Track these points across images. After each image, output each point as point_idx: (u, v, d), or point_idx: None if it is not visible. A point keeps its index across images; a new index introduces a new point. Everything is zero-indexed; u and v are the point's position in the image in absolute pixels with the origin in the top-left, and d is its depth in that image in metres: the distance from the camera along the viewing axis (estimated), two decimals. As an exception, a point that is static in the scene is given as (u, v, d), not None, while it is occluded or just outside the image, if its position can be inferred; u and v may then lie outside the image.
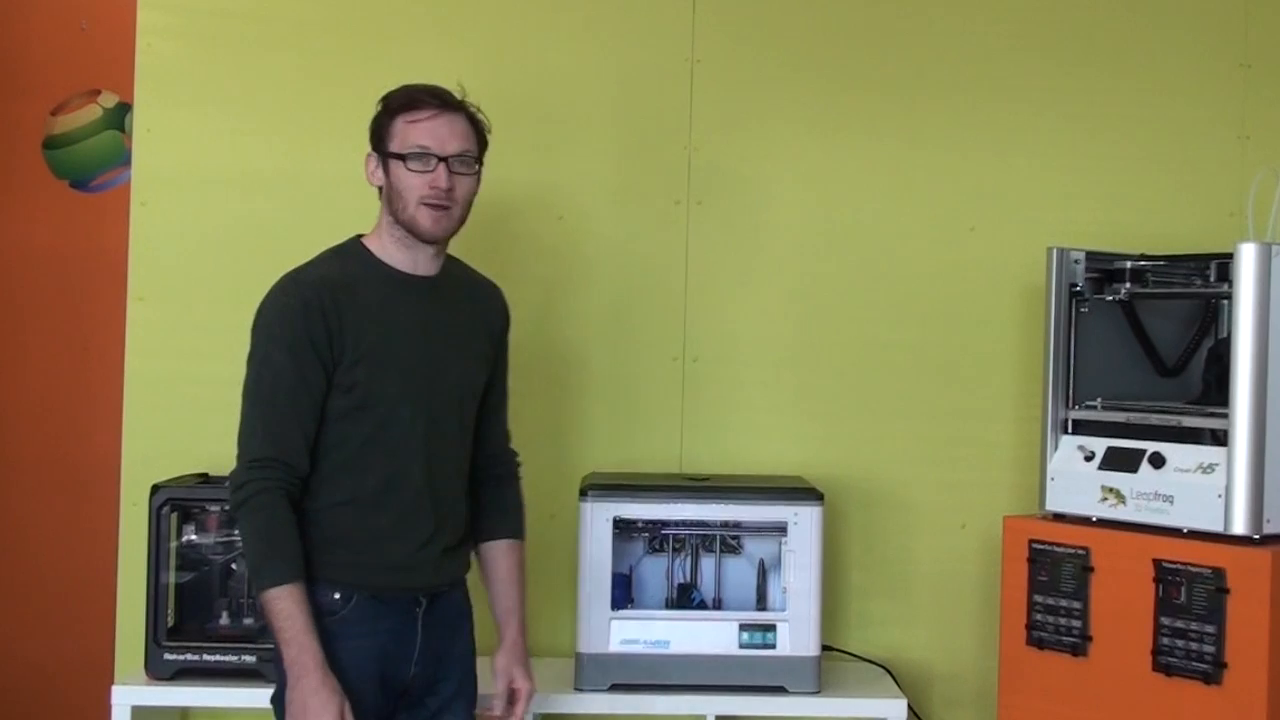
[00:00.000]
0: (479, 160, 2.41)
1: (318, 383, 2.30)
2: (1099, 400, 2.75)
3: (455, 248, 2.50)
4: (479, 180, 2.42)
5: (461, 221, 2.41)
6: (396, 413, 2.34)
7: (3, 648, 3.93)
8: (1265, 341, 2.45)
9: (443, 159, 2.33)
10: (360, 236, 2.44)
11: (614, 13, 3.21)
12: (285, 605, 2.23)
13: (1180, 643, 2.47)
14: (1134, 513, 2.59)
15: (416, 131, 2.34)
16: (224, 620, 2.90)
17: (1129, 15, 3.25)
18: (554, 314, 3.17)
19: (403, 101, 2.38)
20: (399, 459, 2.35)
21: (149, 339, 3.13)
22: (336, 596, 2.31)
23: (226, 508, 2.40)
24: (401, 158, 2.34)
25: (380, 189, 2.41)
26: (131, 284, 3.14)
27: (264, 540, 2.27)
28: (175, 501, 2.86)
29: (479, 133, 2.42)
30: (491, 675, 2.50)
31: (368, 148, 2.40)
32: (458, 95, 2.41)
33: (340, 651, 2.28)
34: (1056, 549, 2.67)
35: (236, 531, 2.40)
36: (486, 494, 2.55)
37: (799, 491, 2.90)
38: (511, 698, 2.49)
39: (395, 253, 2.40)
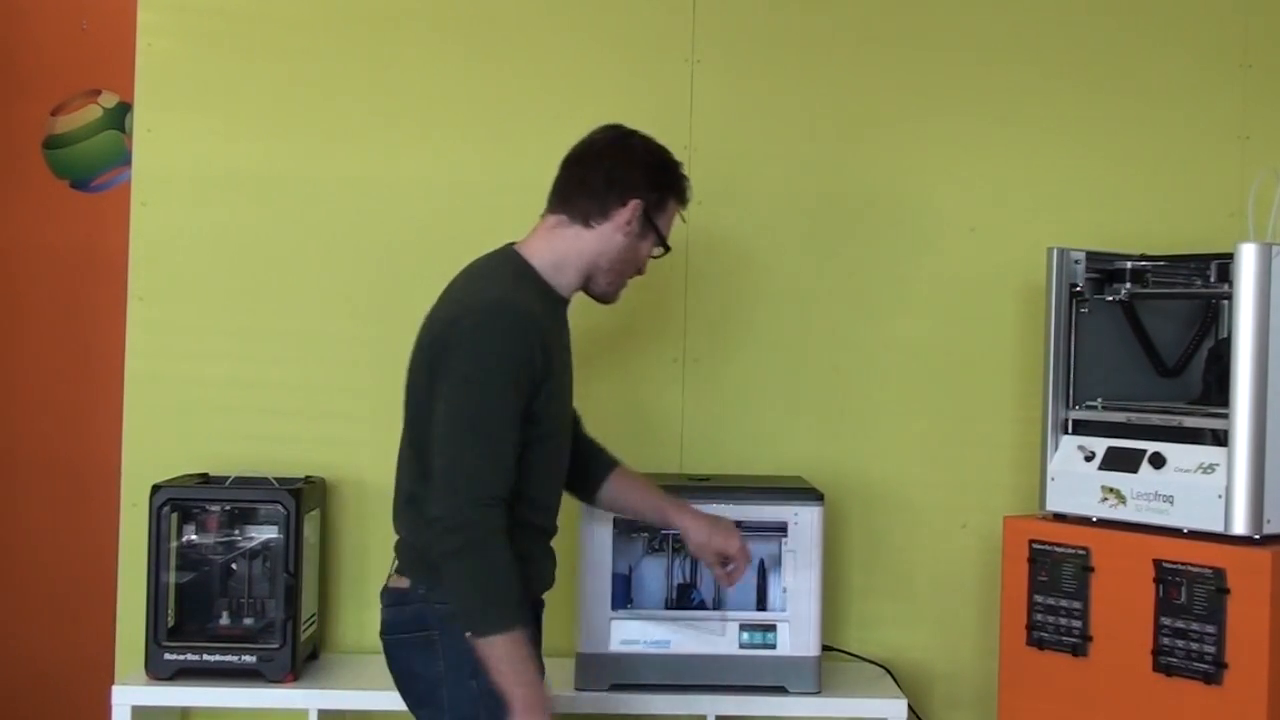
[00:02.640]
0: None
1: (521, 416, 2.25)
2: (1099, 400, 2.75)
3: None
4: None
5: None
6: (565, 433, 2.44)
7: (3, 648, 3.93)
8: (1265, 341, 2.45)
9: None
10: (517, 249, 2.40)
11: (614, 13, 3.21)
12: (517, 650, 2.18)
13: (1180, 643, 2.47)
14: (1134, 513, 2.59)
15: (672, 224, 2.46)
16: (224, 620, 2.91)
17: (1129, 16, 3.25)
18: (554, 314, 3.17)
19: (683, 192, 2.46)
20: (561, 475, 2.45)
21: (149, 339, 3.14)
22: None
23: (441, 548, 2.16)
24: (663, 243, 2.43)
25: (605, 232, 2.38)
26: (131, 284, 3.15)
27: (493, 584, 2.18)
28: (175, 501, 2.87)
29: None
30: (696, 555, 2.63)
31: (630, 195, 2.37)
32: None
33: None
34: (1057, 549, 2.67)
35: (449, 570, 2.19)
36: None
37: (799, 491, 2.90)
38: (726, 563, 2.56)
39: (556, 276, 2.39)
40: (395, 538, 2.38)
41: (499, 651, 2.16)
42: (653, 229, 2.41)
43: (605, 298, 2.44)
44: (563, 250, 2.38)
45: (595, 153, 2.40)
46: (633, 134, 2.44)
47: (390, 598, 2.35)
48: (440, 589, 2.24)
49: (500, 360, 2.21)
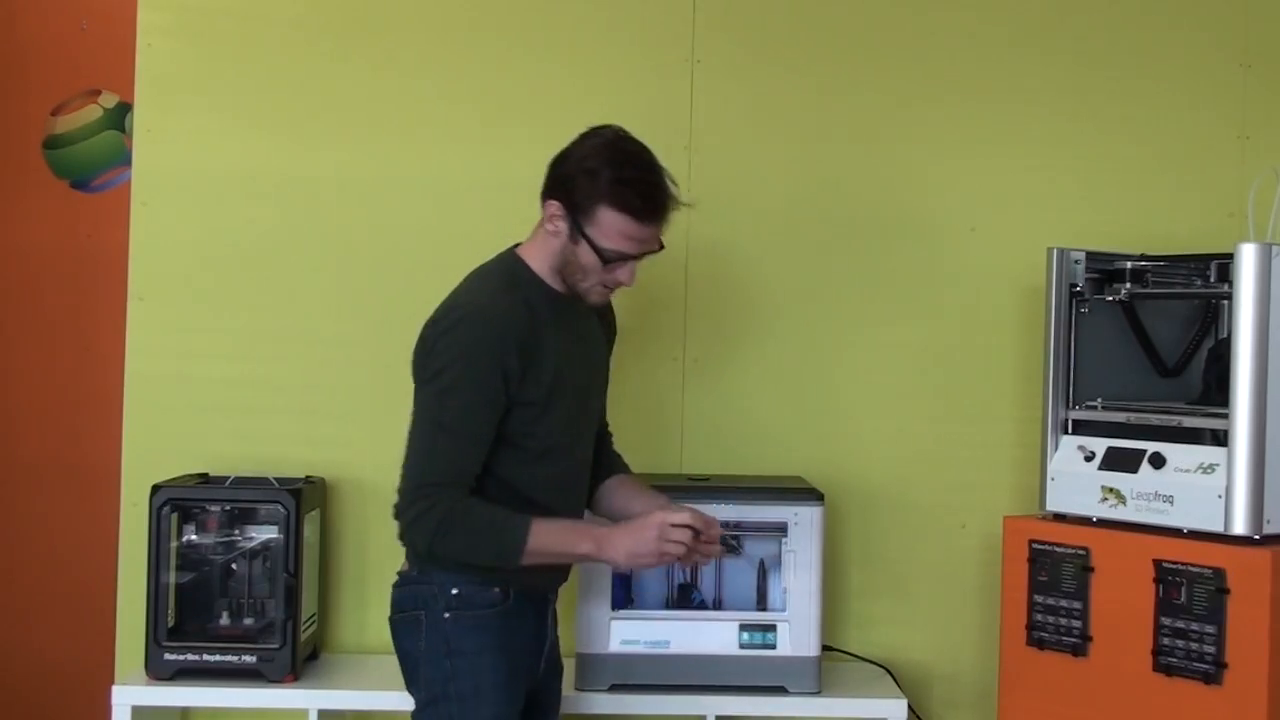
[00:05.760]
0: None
1: (499, 411, 2.31)
2: (1099, 400, 2.75)
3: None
4: None
5: None
6: (566, 437, 2.42)
7: (3, 648, 3.93)
8: (1265, 341, 2.45)
9: (638, 256, 2.34)
10: (518, 252, 2.42)
11: (614, 13, 3.21)
12: (548, 536, 2.30)
13: (1180, 643, 2.47)
14: (1134, 513, 2.59)
15: (632, 239, 2.31)
16: (224, 620, 2.91)
17: (1129, 15, 3.25)
18: (554, 314, 3.17)
19: (644, 203, 2.30)
20: (573, 489, 2.49)
21: (149, 339, 3.14)
22: (497, 591, 2.37)
23: (409, 537, 2.32)
24: (599, 252, 2.31)
25: (546, 233, 2.36)
26: (131, 284, 3.15)
27: (483, 533, 2.29)
28: (175, 501, 2.86)
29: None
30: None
31: (552, 198, 2.33)
32: (676, 185, 2.36)
33: (505, 642, 2.37)
34: (1057, 549, 2.66)
35: (441, 551, 2.31)
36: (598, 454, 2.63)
37: (799, 491, 2.90)
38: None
39: (551, 277, 2.38)
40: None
41: (540, 553, 2.29)
42: (584, 237, 2.31)
43: (583, 298, 2.40)
44: (543, 250, 2.39)
45: (560, 152, 2.37)
46: (597, 135, 2.35)
47: (396, 580, 2.45)
48: (429, 570, 2.37)
49: (465, 367, 2.27)
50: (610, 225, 2.29)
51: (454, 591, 2.35)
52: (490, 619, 2.37)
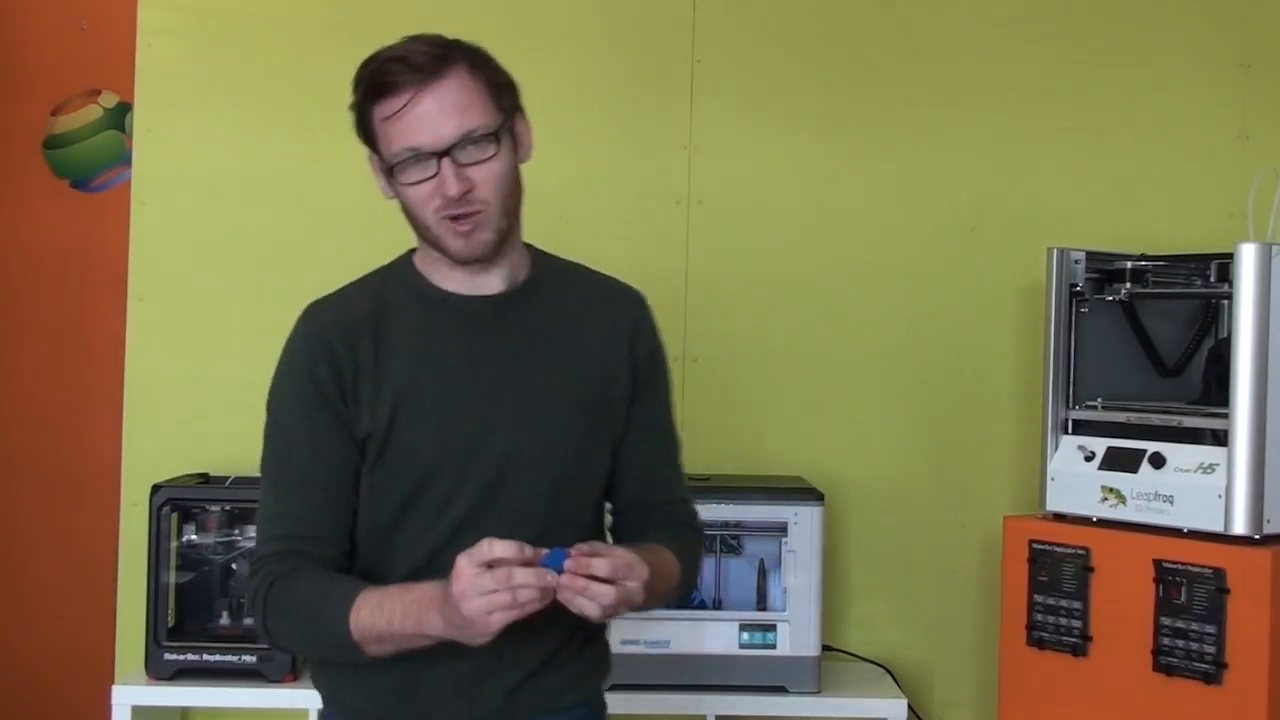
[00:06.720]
0: (501, 127, 1.74)
1: (333, 442, 1.75)
2: (1099, 400, 2.75)
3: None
4: (513, 151, 1.79)
5: (508, 216, 1.78)
6: (432, 483, 1.73)
7: (3, 648, 3.93)
8: (1265, 341, 2.45)
9: (444, 152, 1.69)
10: (414, 251, 1.87)
11: (614, 13, 3.21)
12: (369, 620, 1.65)
13: (1180, 643, 2.47)
14: (1134, 513, 2.59)
15: (397, 130, 1.71)
16: (224, 620, 2.91)
17: (1129, 15, 3.25)
18: (554, 314, 3.17)
19: (370, 87, 1.75)
20: (431, 544, 1.74)
21: (149, 339, 3.14)
22: None
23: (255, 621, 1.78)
24: (389, 167, 1.74)
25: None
26: (131, 284, 3.15)
27: (302, 611, 1.70)
28: (175, 501, 2.86)
29: (489, 88, 1.77)
30: None
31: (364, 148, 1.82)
32: (441, 43, 1.82)
33: None
34: (1057, 549, 2.66)
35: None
36: (648, 531, 1.86)
37: (799, 491, 2.90)
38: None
39: (445, 270, 1.80)
40: None
41: (380, 632, 1.65)
42: (379, 157, 1.77)
43: (457, 258, 1.76)
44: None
45: None
46: None
47: None
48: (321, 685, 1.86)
49: (277, 393, 1.79)
50: (381, 135, 1.74)
51: None
52: None
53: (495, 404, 1.76)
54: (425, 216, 1.73)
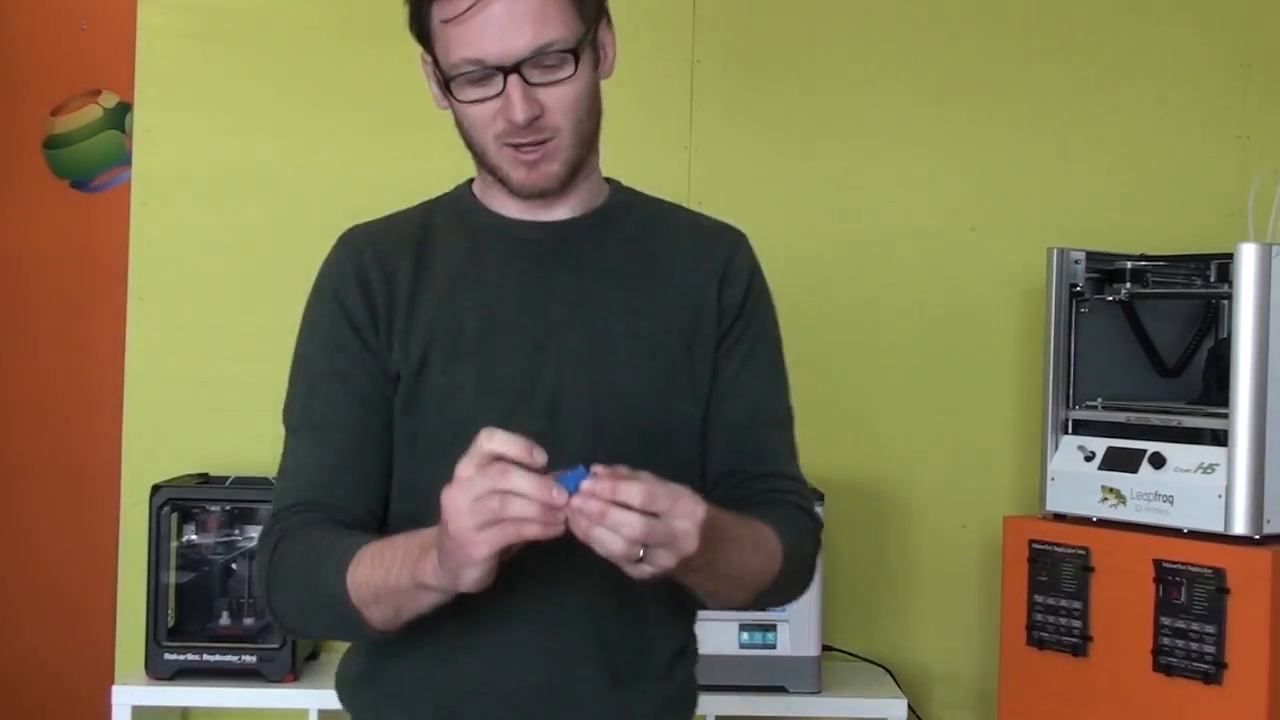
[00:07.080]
0: (583, 40, 1.50)
1: (360, 377, 1.52)
2: (1099, 400, 2.75)
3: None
4: (594, 68, 1.58)
5: (584, 145, 1.58)
6: (470, 435, 1.28)
7: (3, 647, 3.93)
8: (1265, 341, 2.45)
9: (512, 69, 1.43)
10: (473, 180, 1.65)
11: (614, 13, 3.20)
12: (367, 573, 1.37)
13: (1180, 643, 2.47)
14: (1134, 513, 2.59)
15: (459, 36, 1.43)
16: (224, 620, 2.90)
17: (1129, 16, 3.25)
18: (554, 314, 3.17)
19: None
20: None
21: (149, 339, 3.13)
22: None
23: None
24: (448, 82, 1.48)
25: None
26: (131, 284, 3.15)
27: (305, 576, 1.43)
28: (175, 501, 2.86)
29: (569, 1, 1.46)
30: None
31: (417, 49, 1.57)
32: None
33: None
34: (1056, 549, 2.66)
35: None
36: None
37: (799, 491, 2.89)
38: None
39: (504, 198, 1.57)
40: None
41: (377, 590, 1.36)
42: (438, 70, 1.52)
43: (517, 191, 1.54)
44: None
45: None
46: None
47: None
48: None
49: (304, 330, 1.60)
50: (440, 41, 1.48)
51: None
52: None
53: (547, 346, 1.50)
54: (484, 140, 1.49)
